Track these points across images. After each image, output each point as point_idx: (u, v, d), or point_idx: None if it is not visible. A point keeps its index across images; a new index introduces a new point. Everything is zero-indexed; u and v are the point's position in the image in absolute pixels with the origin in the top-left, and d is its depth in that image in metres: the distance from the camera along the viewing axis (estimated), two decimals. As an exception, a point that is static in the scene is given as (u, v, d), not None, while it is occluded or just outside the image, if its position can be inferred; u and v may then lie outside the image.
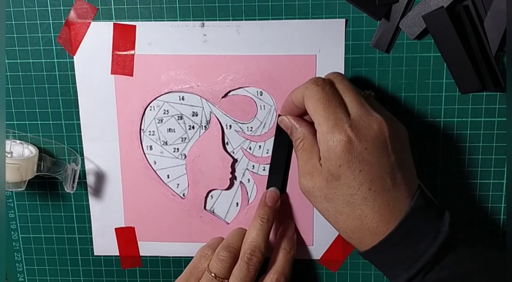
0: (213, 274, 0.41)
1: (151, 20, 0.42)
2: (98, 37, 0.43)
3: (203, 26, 0.42)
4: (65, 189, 0.44)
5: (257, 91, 0.43)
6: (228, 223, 0.46)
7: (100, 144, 0.45)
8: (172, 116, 0.44)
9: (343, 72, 0.42)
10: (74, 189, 0.44)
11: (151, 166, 0.45)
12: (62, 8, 0.43)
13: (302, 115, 0.40)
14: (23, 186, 0.43)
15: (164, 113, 0.44)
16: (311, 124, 0.39)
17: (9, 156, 0.43)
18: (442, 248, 0.35)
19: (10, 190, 0.43)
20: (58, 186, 0.47)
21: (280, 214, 0.44)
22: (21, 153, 0.44)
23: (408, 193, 0.36)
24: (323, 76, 0.38)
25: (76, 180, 0.44)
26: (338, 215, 0.37)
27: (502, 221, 0.44)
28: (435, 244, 0.35)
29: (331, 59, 0.42)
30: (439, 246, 0.35)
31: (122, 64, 0.43)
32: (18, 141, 0.45)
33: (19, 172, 0.42)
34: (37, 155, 0.44)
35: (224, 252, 0.41)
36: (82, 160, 0.45)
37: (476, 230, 0.44)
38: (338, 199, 0.36)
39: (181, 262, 0.47)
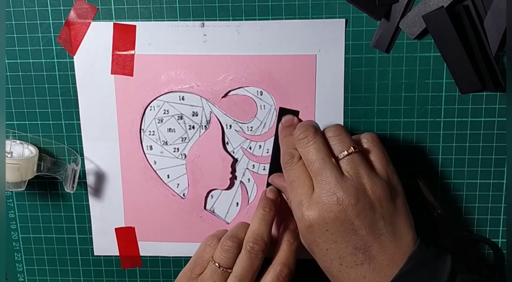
0: (217, 264, 0.40)
1: (151, 20, 0.42)
2: (98, 37, 0.43)
3: (203, 26, 0.42)
4: (65, 189, 0.44)
5: (257, 91, 0.43)
6: (228, 223, 0.46)
7: (100, 144, 0.45)
8: (172, 116, 0.44)
9: (342, 73, 0.42)
10: (74, 189, 0.44)
11: (151, 165, 0.45)
12: (62, 8, 0.43)
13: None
14: (23, 186, 0.43)
15: (164, 113, 0.44)
16: None
17: (9, 156, 0.43)
18: None
19: (10, 190, 0.43)
20: (58, 186, 0.47)
21: (281, 214, 0.44)
22: (21, 153, 0.44)
23: (389, 262, 0.35)
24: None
25: (76, 180, 0.44)
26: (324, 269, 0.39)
27: (502, 221, 0.44)
28: None
29: (331, 59, 0.42)
30: None
31: (122, 64, 0.43)
32: (18, 141, 0.45)
33: (19, 172, 0.42)
34: (37, 155, 0.44)
35: (228, 241, 0.41)
36: (82, 160, 0.45)
37: (477, 230, 0.44)
38: (319, 262, 0.38)
39: (181, 262, 0.47)
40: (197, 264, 0.42)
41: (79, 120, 0.45)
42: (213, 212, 0.46)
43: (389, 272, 0.35)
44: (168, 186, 0.46)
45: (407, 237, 0.36)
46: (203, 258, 0.42)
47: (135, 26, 0.43)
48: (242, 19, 0.42)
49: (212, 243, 0.42)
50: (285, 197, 0.43)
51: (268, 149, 0.44)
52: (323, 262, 0.37)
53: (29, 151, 0.44)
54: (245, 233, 0.42)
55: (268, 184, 0.44)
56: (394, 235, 0.35)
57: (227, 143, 0.44)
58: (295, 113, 0.43)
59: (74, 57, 0.44)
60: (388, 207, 0.36)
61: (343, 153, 0.36)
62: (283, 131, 0.41)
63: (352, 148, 0.36)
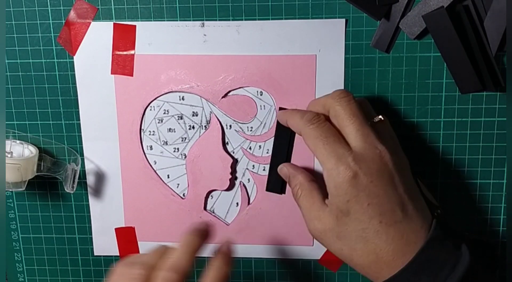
0: None
1: (151, 20, 0.42)
2: (98, 37, 0.43)
3: (203, 26, 0.42)
4: (65, 189, 0.44)
5: (257, 91, 0.43)
6: (228, 224, 0.46)
7: (100, 144, 0.45)
8: (172, 116, 0.44)
9: (343, 73, 0.42)
10: (74, 189, 0.44)
11: (151, 166, 0.45)
12: (62, 8, 0.43)
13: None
14: (23, 186, 0.43)
15: (164, 113, 0.44)
16: (307, 171, 0.41)
17: (9, 156, 0.43)
18: (463, 279, 0.34)
19: (10, 190, 0.43)
20: (58, 186, 0.47)
21: (280, 215, 0.44)
22: (21, 153, 0.44)
23: (422, 224, 0.35)
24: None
25: (76, 180, 0.44)
26: (353, 252, 0.36)
27: (502, 221, 0.44)
28: (455, 275, 0.34)
29: (331, 59, 0.42)
30: (460, 278, 0.33)
31: (122, 64, 0.43)
32: (18, 141, 0.45)
33: (19, 172, 0.42)
34: (37, 155, 0.44)
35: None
36: (82, 159, 0.45)
37: (477, 230, 0.44)
38: (350, 235, 0.36)
39: (181, 262, 0.47)
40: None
41: (79, 120, 0.45)
42: (213, 212, 0.46)
43: (422, 234, 0.35)
44: (168, 186, 0.46)
45: (425, 206, 0.37)
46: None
47: (135, 26, 0.43)
48: (242, 19, 0.42)
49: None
50: (299, 179, 0.40)
51: (268, 149, 0.44)
52: (358, 224, 0.35)
53: (29, 150, 0.44)
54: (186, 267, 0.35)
55: (268, 184, 0.44)
56: (419, 198, 0.37)
57: (227, 143, 0.44)
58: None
59: (74, 57, 0.44)
60: (409, 173, 0.38)
61: (375, 117, 0.39)
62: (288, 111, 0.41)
63: (379, 117, 0.38)
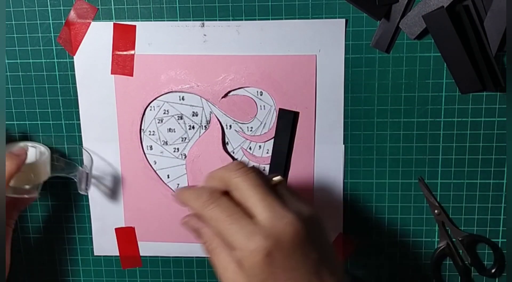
0: None
1: (151, 20, 0.42)
2: (98, 37, 0.43)
3: (203, 26, 0.42)
4: (79, 191, 0.44)
5: (257, 91, 0.43)
6: (228, 223, 0.46)
7: (100, 144, 0.45)
8: (172, 116, 0.44)
9: (343, 73, 0.42)
10: (89, 190, 0.44)
11: (151, 166, 0.45)
12: (62, 8, 0.43)
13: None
14: (38, 190, 0.42)
15: (164, 113, 0.44)
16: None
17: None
18: None
19: (24, 195, 0.42)
20: (58, 186, 0.46)
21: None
22: (34, 154, 0.43)
23: None
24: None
25: (90, 181, 0.44)
26: None
27: (502, 221, 0.44)
28: None
29: (331, 59, 0.42)
30: None
31: (122, 64, 0.43)
32: (30, 144, 0.44)
33: (31, 174, 0.41)
34: (49, 156, 0.43)
35: None
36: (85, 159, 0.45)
37: (477, 230, 0.44)
38: None
39: (181, 262, 0.47)
40: None
41: (79, 120, 0.45)
42: (213, 212, 0.46)
43: None
44: (168, 186, 0.46)
45: (339, 264, 0.35)
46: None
47: (135, 26, 0.43)
48: (242, 19, 0.42)
49: None
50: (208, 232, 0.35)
51: (268, 150, 0.44)
52: None
53: (40, 151, 0.44)
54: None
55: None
56: (335, 259, 0.35)
57: (227, 143, 0.44)
58: (295, 114, 0.43)
59: (74, 57, 0.44)
60: (321, 229, 0.35)
61: (273, 179, 0.35)
62: (181, 192, 0.37)
63: (277, 177, 0.36)
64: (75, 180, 0.44)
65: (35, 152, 0.43)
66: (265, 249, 0.32)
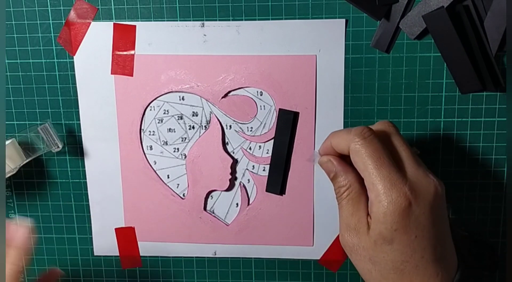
0: None
1: (151, 20, 0.42)
2: (98, 37, 0.43)
3: (203, 26, 0.42)
4: (52, 150, 0.43)
5: (257, 92, 0.43)
6: (228, 224, 0.46)
7: (100, 144, 0.45)
8: (172, 116, 0.44)
9: (343, 73, 0.42)
10: (60, 146, 0.44)
11: (151, 166, 0.45)
12: (62, 8, 0.43)
13: (341, 157, 0.37)
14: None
15: (164, 113, 0.44)
16: (356, 171, 0.35)
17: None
18: None
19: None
20: (58, 186, 0.47)
21: (280, 215, 0.44)
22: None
23: (453, 264, 0.34)
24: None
25: (56, 136, 0.43)
26: (383, 279, 0.34)
27: (502, 221, 0.44)
28: None
29: (331, 59, 0.42)
30: None
31: (122, 64, 0.43)
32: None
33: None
34: (15, 141, 0.43)
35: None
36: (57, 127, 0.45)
37: (477, 230, 0.44)
38: (386, 263, 0.33)
39: (181, 262, 0.47)
40: None
41: (79, 120, 0.45)
42: (213, 212, 0.46)
43: (452, 275, 0.34)
44: (168, 186, 0.46)
45: (454, 249, 0.36)
46: None
47: (135, 26, 0.43)
48: (242, 19, 0.42)
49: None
50: (350, 180, 0.35)
51: (268, 150, 0.44)
52: (399, 255, 0.33)
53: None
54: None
55: (268, 185, 0.44)
56: (451, 239, 0.35)
57: (227, 143, 0.44)
58: (295, 114, 0.43)
59: (74, 57, 0.44)
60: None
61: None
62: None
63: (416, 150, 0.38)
64: (45, 147, 0.43)
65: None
66: (408, 199, 0.32)
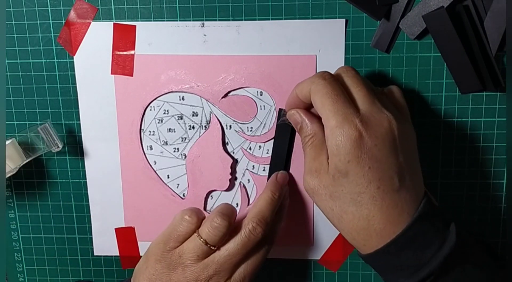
0: (203, 240, 0.38)
1: (151, 20, 0.42)
2: (98, 37, 0.43)
3: (203, 26, 0.42)
4: (52, 150, 0.43)
5: (257, 92, 0.43)
6: (228, 223, 0.46)
7: (100, 144, 0.45)
8: (172, 116, 0.44)
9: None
10: (60, 146, 0.44)
11: (151, 166, 0.45)
12: (62, 8, 0.43)
13: (307, 109, 0.40)
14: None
15: (164, 113, 0.44)
16: (321, 121, 0.38)
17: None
18: (449, 258, 0.34)
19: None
20: (58, 186, 0.47)
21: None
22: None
23: (415, 197, 0.35)
24: (332, 72, 0.38)
25: (56, 136, 0.43)
26: (343, 214, 0.36)
27: (502, 221, 0.44)
28: (441, 253, 0.34)
29: (331, 59, 0.42)
30: (446, 256, 0.34)
31: (122, 64, 0.43)
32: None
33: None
34: (14, 142, 0.43)
35: (219, 219, 0.38)
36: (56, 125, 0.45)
37: (477, 230, 0.44)
38: (344, 197, 0.35)
39: (181, 262, 0.47)
40: (171, 238, 0.40)
41: (79, 120, 0.45)
42: (213, 212, 0.46)
43: (415, 207, 0.35)
44: (168, 186, 0.46)
45: (421, 181, 0.37)
46: (179, 232, 0.40)
47: (135, 26, 0.43)
48: (242, 19, 0.42)
49: (190, 219, 0.39)
50: (314, 128, 0.38)
51: (268, 150, 0.44)
52: (355, 187, 0.35)
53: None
54: (232, 214, 0.40)
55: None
56: (417, 172, 0.37)
57: (227, 143, 0.44)
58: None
59: (74, 57, 0.44)
60: (414, 145, 0.38)
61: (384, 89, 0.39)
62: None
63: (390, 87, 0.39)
64: (45, 147, 0.44)
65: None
66: (358, 130, 0.34)
